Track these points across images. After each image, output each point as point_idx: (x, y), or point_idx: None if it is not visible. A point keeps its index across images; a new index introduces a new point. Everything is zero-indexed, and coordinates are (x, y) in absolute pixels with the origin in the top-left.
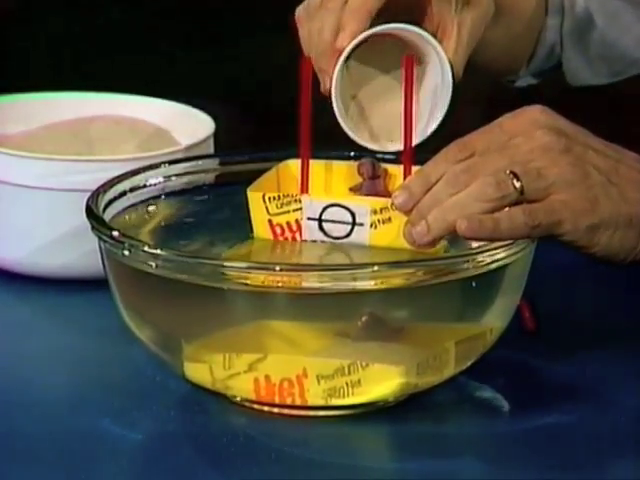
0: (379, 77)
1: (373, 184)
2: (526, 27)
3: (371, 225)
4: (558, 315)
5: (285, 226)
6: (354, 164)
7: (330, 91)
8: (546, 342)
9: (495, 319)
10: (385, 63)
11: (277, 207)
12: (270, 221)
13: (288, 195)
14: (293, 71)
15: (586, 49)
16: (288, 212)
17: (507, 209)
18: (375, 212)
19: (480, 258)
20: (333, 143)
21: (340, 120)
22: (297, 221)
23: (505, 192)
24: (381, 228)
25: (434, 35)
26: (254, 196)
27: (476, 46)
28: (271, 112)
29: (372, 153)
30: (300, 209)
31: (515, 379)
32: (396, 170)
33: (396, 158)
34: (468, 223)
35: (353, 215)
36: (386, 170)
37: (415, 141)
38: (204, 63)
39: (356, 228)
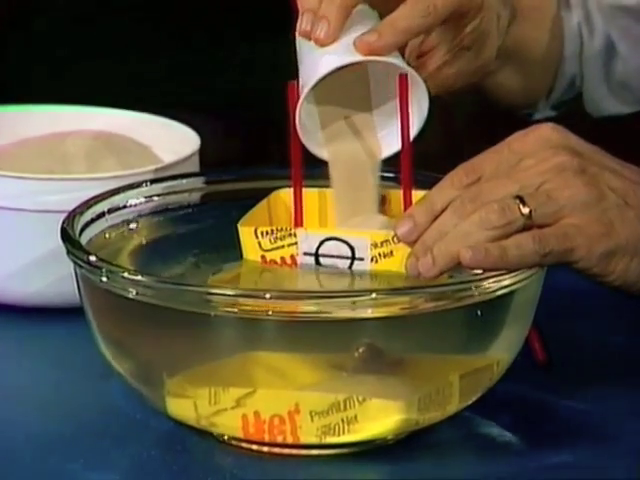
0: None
1: None
2: (540, 63)
3: (372, 259)
4: (571, 346)
5: (280, 262)
6: None
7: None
8: (557, 375)
9: (502, 350)
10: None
11: (270, 242)
12: (263, 257)
13: (282, 229)
14: (284, 85)
15: (608, 78)
16: (282, 247)
17: (516, 236)
18: (376, 245)
19: (486, 284)
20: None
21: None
22: (292, 256)
23: (510, 218)
24: (382, 262)
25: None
26: (245, 231)
27: (485, 84)
28: (260, 127)
29: None
30: (295, 244)
31: (524, 415)
32: (395, 195)
33: (395, 183)
34: (472, 253)
35: (352, 249)
36: (384, 196)
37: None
38: (189, 74)
39: (356, 263)
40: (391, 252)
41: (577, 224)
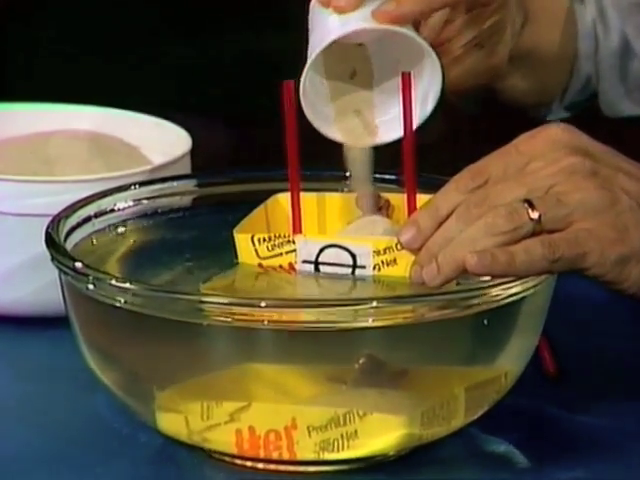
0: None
1: None
2: (554, 64)
3: (374, 267)
4: (582, 357)
5: (278, 270)
6: (349, 196)
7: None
8: (568, 388)
9: (510, 361)
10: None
11: (268, 249)
12: (260, 265)
13: (280, 236)
14: (280, 85)
15: (625, 78)
16: (280, 255)
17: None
18: (378, 253)
19: (493, 292)
20: (323, 162)
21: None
22: (291, 264)
23: (518, 223)
24: (385, 270)
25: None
26: (242, 238)
27: (497, 86)
28: (255, 128)
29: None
30: (294, 251)
31: (532, 430)
32: (399, 200)
33: (398, 186)
34: (478, 258)
35: (354, 257)
36: (388, 201)
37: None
38: (180, 72)
39: (357, 271)
40: (394, 260)
41: (589, 229)
